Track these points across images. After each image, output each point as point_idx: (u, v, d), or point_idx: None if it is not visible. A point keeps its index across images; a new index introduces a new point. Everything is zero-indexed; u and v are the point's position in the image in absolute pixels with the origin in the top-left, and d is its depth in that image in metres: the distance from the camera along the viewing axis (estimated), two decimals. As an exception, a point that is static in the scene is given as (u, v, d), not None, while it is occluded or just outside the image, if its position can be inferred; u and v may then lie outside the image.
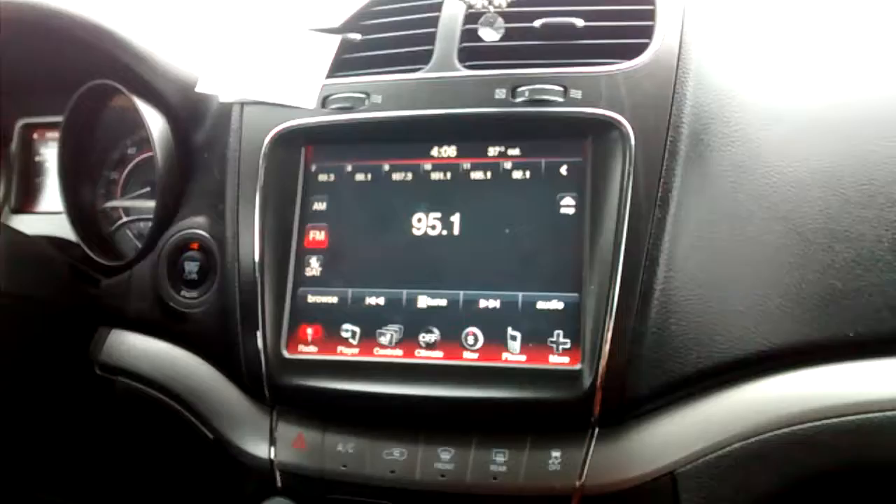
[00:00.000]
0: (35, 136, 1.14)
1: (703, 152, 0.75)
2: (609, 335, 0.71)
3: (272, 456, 0.79)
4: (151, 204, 0.94)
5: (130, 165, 1.05)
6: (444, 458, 0.74)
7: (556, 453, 0.72)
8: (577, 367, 0.72)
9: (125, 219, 1.04)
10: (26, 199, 1.14)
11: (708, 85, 0.78)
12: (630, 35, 0.79)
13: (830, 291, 0.72)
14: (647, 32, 0.79)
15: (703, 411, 0.72)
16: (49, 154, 1.14)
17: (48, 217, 1.10)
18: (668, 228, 0.73)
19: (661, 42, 0.78)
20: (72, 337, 0.92)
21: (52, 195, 1.12)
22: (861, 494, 0.74)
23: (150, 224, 0.92)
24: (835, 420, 0.69)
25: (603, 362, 0.70)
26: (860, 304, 0.71)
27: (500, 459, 0.73)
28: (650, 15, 0.80)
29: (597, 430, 0.72)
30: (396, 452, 0.75)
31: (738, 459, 0.70)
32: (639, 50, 0.78)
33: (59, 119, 1.01)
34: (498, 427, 0.75)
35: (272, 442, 0.79)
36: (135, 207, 1.03)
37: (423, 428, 0.76)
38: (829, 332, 0.71)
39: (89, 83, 0.96)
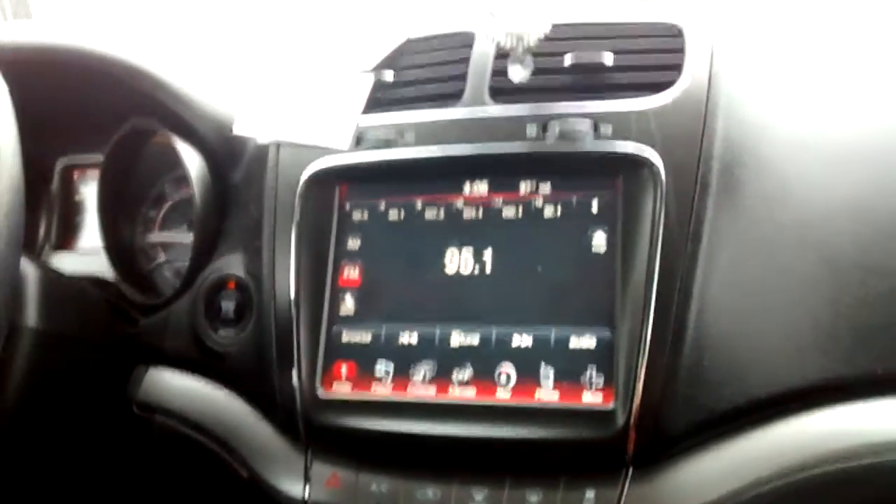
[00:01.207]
0: (75, 175, 1.17)
1: (734, 185, 0.75)
2: (643, 372, 0.70)
3: (306, 495, 0.79)
4: (189, 240, 0.95)
5: (168, 203, 1.07)
6: (478, 498, 0.74)
7: (590, 493, 0.71)
8: (611, 406, 0.71)
9: (163, 257, 1.05)
10: (66, 237, 1.16)
11: (738, 118, 0.77)
12: (660, 70, 0.79)
13: (864, 325, 0.71)
14: (677, 67, 0.79)
15: (738, 449, 0.71)
16: (88, 192, 1.16)
17: (86, 256, 1.12)
18: (701, 263, 0.72)
19: (691, 77, 0.78)
20: (110, 376, 0.93)
21: (91, 233, 1.14)
22: None
23: (187, 263, 0.94)
24: (871, 460, 0.67)
25: (637, 400, 0.70)
26: (892, 339, 0.70)
27: (533, 500, 0.72)
28: (679, 49, 0.80)
29: (631, 469, 0.72)
30: (430, 493, 0.75)
31: (775, 499, 0.69)
32: (668, 84, 0.78)
33: (98, 158, 1.03)
34: (531, 467, 0.74)
35: (306, 480, 0.80)
36: (173, 246, 1.05)
37: (456, 467, 0.76)
38: (864, 368, 0.70)
39: (129, 123, 0.98)
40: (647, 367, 0.70)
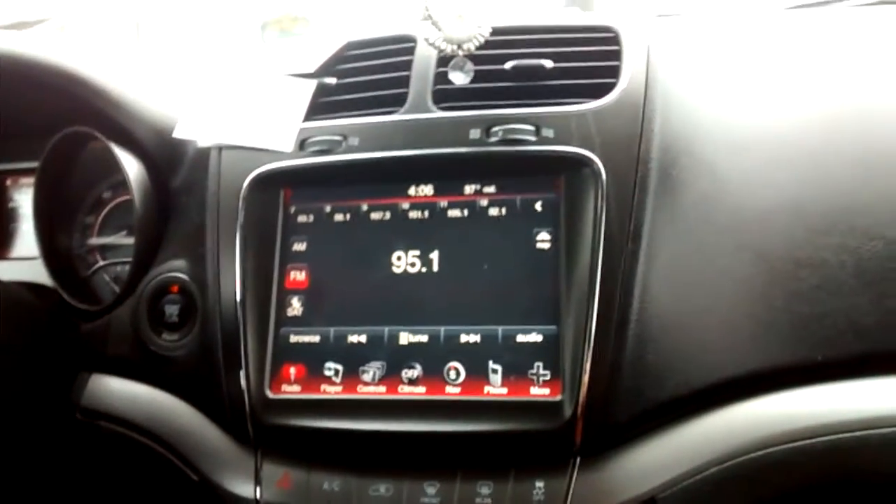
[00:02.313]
0: (8, 182, 1.14)
1: (672, 186, 0.78)
2: (588, 366, 0.72)
3: (258, 496, 0.79)
4: (129, 245, 0.94)
5: (107, 209, 1.05)
6: (430, 492, 0.75)
7: (539, 483, 0.73)
8: (558, 398, 0.73)
9: (102, 262, 1.04)
10: (0, 245, 1.13)
11: (675, 120, 0.81)
12: (598, 75, 0.82)
13: (798, 317, 0.74)
14: (614, 72, 0.82)
15: (680, 437, 0.74)
16: (23, 200, 1.13)
17: (22, 263, 1.09)
18: (641, 261, 0.75)
19: (628, 81, 0.81)
20: (51, 383, 0.91)
21: (26, 241, 1.12)
22: None
23: (126, 268, 0.93)
24: (806, 442, 0.71)
25: (583, 392, 0.72)
26: (827, 329, 0.74)
27: (484, 492, 0.74)
28: (616, 55, 0.83)
29: (579, 459, 0.74)
30: (382, 489, 0.76)
31: (716, 483, 0.72)
32: (607, 89, 0.81)
33: (32, 165, 1.01)
34: (482, 460, 0.76)
35: (258, 482, 0.79)
36: (112, 251, 1.03)
37: (408, 463, 0.77)
38: (798, 357, 0.74)
39: (64, 131, 0.96)
40: (592, 360, 0.72)
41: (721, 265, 0.76)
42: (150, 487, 0.88)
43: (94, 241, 1.05)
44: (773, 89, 0.86)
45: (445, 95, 0.84)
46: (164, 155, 0.95)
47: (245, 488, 0.80)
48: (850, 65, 0.87)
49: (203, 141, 0.90)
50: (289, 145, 0.85)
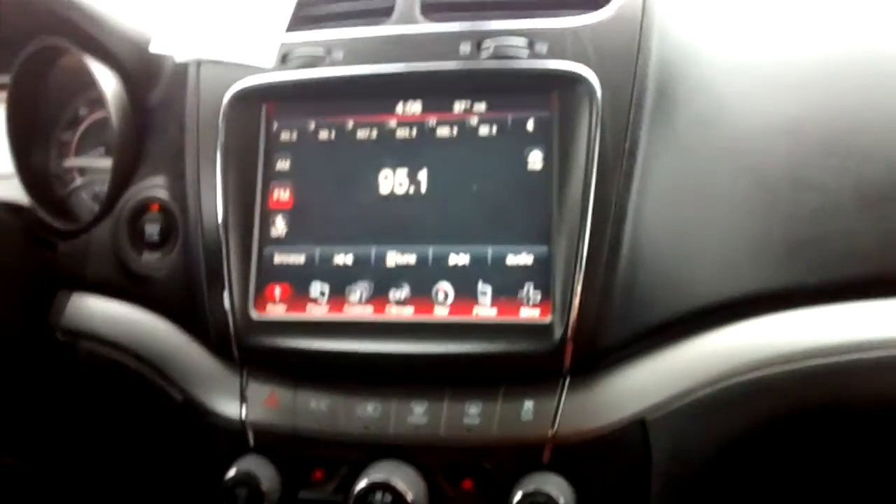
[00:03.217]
0: (-20, 97, 1.10)
1: (669, 105, 0.76)
2: (579, 287, 0.71)
3: (244, 415, 0.78)
4: (107, 164, 0.91)
5: (83, 126, 1.02)
6: (418, 411, 0.75)
7: (528, 404, 0.73)
8: (548, 319, 0.73)
9: (80, 181, 1.01)
10: (-27, 164, 1.10)
11: (672, 38, 0.78)
12: None
13: (795, 240, 0.73)
14: None
15: (671, 359, 0.74)
16: (-3, 115, 1.10)
17: (-1, 181, 1.07)
18: (636, 181, 0.74)
19: None
20: (30, 303, 0.90)
21: (1, 159, 1.08)
22: (827, 440, 0.77)
23: (105, 186, 0.90)
24: (798, 364, 0.71)
25: (573, 314, 0.71)
26: (824, 252, 0.73)
27: (473, 411, 0.74)
28: None
29: (568, 379, 0.74)
30: (370, 408, 0.76)
31: (706, 405, 0.72)
32: (604, 1, 0.78)
33: (5, 79, 0.98)
34: (470, 380, 0.75)
35: (243, 401, 0.79)
36: (90, 169, 1.01)
37: (396, 382, 0.76)
38: (793, 280, 0.73)
39: (36, 42, 0.93)
40: (583, 282, 0.71)
41: (717, 187, 0.75)
42: (133, 408, 0.87)
43: (71, 159, 1.02)
44: (773, 9, 0.83)
45: (434, 6, 0.81)
46: (141, 70, 0.92)
47: (230, 407, 0.79)
48: None
49: (180, 55, 0.86)
50: (270, 60, 0.82)
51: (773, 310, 0.74)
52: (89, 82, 0.91)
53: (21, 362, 0.90)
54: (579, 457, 0.73)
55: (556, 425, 0.72)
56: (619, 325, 0.73)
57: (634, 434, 0.72)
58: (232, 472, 0.76)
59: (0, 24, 0.95)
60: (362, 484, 0.73)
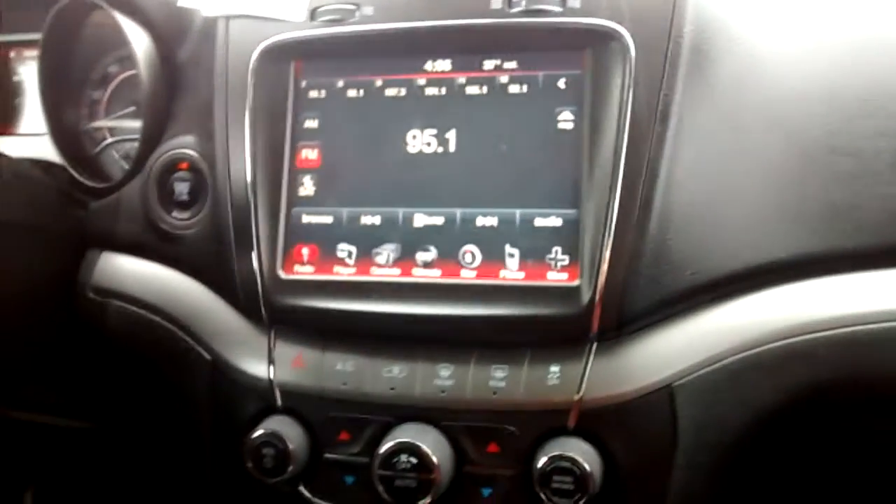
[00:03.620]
0: (12, 54, 1.11)
1: (704, 64, 0.74)
2: (608, 251, 0.70)
3: (271, 375, 0.79)
4: (137, 124, 0.91)
5: (113, 84, 1.02)
6: (444, 374, 0.74)
7: (554, 368, 0.72)
8: (576, 283, 0.72)
9: (111, 139, 1.01)
10: (6, 121, 1.10)
11: None
12: None
13: (830, 205, 0.71)
14: None
15: (700, 325, 0.72)
16: (27, 74, 1.10)
17: (30, 139, 1.07)
18: (669, 142, 0.72)
19: None
20: (61, 261, 0.90)
21: (32, 117, 1.09)
22: (856, 415, 0.75)
23: (136, 144, 0.90)
24: (831, 332, 0.69)
25: (602, 278, 0.70)
26: (859, 218, 0.71)
27: (499, 375, 0.73)
28: None
29: (595, 344, 0.73)
30: (396, 370, 0.76)
31: (735, 373, 0.71)
32: (639, -42, 0.75)
33: (36, 37, 0.97)
34: (497, 343, 0.75)
35: (271, 361, 0.79)
36: (120, 128, 1.01)
37: (422, 345, 0.76)
38: (827, 245, 0.71)
39: (66, -1, 0.93)
40: (612, 246, 0.70)
41: (752, 149, 0.73)
42: (162, 367, 0.88)
43: (102, 117, 1.02)
44: None
45: (466, -37, 0.79)
46: (170, 25, 0.91)
47: (258, 367, 0.80)
48: None
49: (208, 9, 0.85)
50: (299, 14, 0.81)
51: (806, 276, 0.72)
52: (119, 40, 0.90)
53: (53, 319, 0.91)
54: (605, 422, 0.72)
55: (582, 390, 0.71)
56: (648, 289, 0.71)
57: (661, 401, 0.71)
58: (259, 432, 0.76)
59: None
60: (388, 445, 0.73)
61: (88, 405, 1.02)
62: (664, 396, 0.71)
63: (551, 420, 0.72)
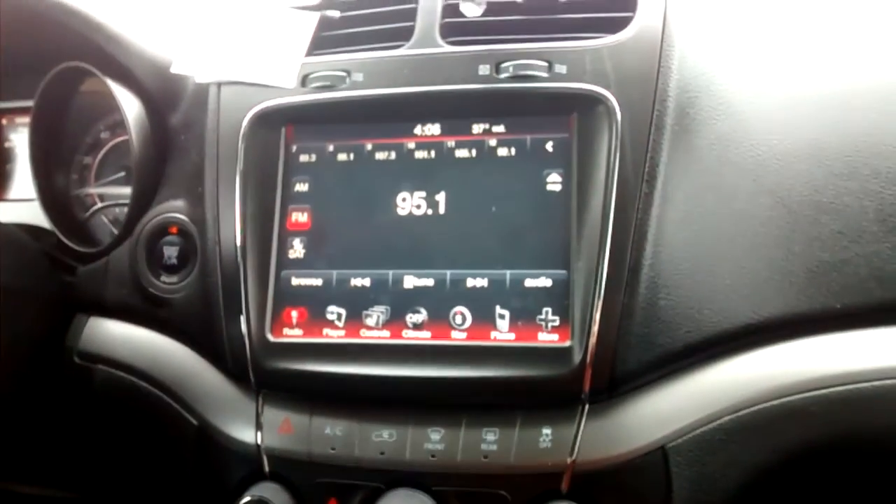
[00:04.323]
0: (4, 121, 1.11)
1: (689, 126, 0.75)
2: (598, 311, 0.70)
3: (259, 441, 0.77)
4: (127, 190, 0.92)
5: (104, 150, 1.03)
6: (434, 438, 0.73)
7: (546, 430, 0.72)
8: (567, 343, 0.71)
9: (100, 204, 1.01)
10: (-4, 187, 1.11)
11: (692, 58, 0.77)
12: (613, 9, 0.79)
13: (817, 263, 0.72)
14: (631, 6, 0.78)
15: (692, 385, 0.72)
16: (18, 140, 1.11)
17: (20, 205, 1.07)
18: (656, 203, 0.73)
19: (645, 15, 0.77)
20: (49, 326, 0.90)
21: (22, 182, 1.09)
22: (853, 472, 0.75)
23: (125, 209, 0.90)
24: (824, 391, 0.69)
25: (592, 339, 0.70)
26: (847, 276, 0.71)
27: (490, 438, 0.72)
28: None
29: (587, 406, 0.72)
30: (385, 434, 0.75)
31: (729, 433, 0.70)
32: (623, 24, 0.77)
33: (28, 104, 0.98)
34: (488, 406, 0.74)
35: (258, 427, 0.78)
36: (110, 193, 1.01)
37: (412, 408, 0.75)
38: (816, 304, 0.71)
39: (60, 65, 0.94)
40: (602, 306, 0.70)
41: (739, 209, 0.73)
42: (148, 433, 0.86)
43: (92, 183, 1.02)
44: (794, 28, 0.82)
45: (454, 29, 0.81)
46: (163, 91, 0.92)
47: (246, 433, 0.78)
48: (873, 5, 0.83)
49: (201, 77, 0.87)
50: (291, 81, 0.82)
51: (798, 335, 0.72)
52: (111, 106, 0.91)
53: (39, 385, 0.90)
54: (599, 485, 0.71)
55: (575, 453, 0.71)
56: (640, 349, 0.71)
57: (655, 462, 0.71)
58: (246, 499, 0.75)
59: (25, 48, 0.97)
60: (377, 512, 0.71)
61: (73, 474, 0.99)
62: (658, 457, 0.70)
63: (544, 483, 0.71)
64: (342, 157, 0.81)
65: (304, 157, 0.82)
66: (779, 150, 0.75)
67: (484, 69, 0.77)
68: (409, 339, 0.75)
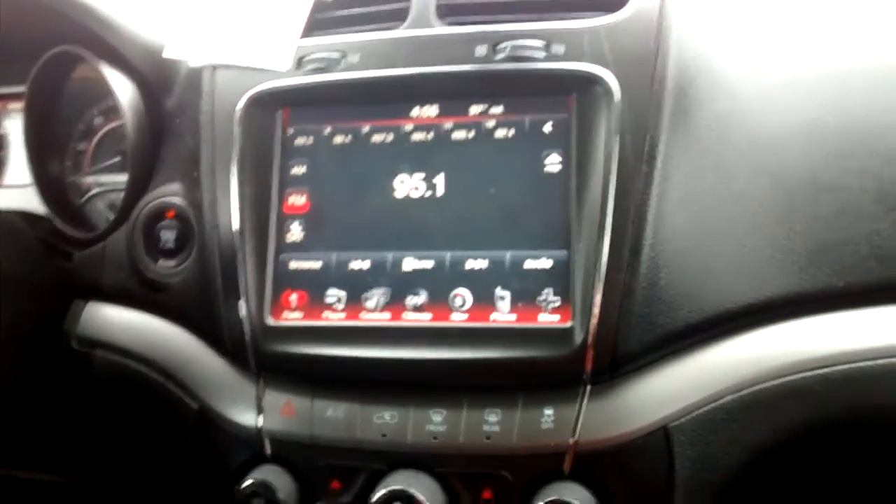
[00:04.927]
0: (-3, 107, 1.11)
1: (689, 106, 0.75)
2: (599, 292, 0.70)
3: (260, 424, 0.77)
4: (122, 176, 0.91)
5: (99, 135, 1.02)
6: (436, 419, 0.73)
7: (548, 411, 0.72)
8: (568, 324, 0.71)
9: (96, 190, 1.01)
10: (-9, 174, 1.10)
11: (691, 38, 0.77)
12: None
13: (818, 243, 0.72)
14: None
15: (694, 365, 0.72)
16: (12, 126, 1.10)
17: (15, 191, 1.07)
18: (656, 183, 0.72)
19: None
20: (46, 312, 0.89)
21: (17, 168, 1.08)
22: (854, 451, 0.75)
23: (121, 194, 0.90)
24: (825, 370, 0.69)
25: (594, 319, 0.70)
26: (848, 255, 0.71)
27: (492, 419, 0.72)
28: None
29: (589, 386, 0.72)
30: (387, 416, 0.74)
31: (731, 412, 0.70)
32: (621, 3, 0.77)
33: (21, 90, 0.98)
34: (489, 387, 0.74)
35: (260, 410, 0.78)
36: (106, 177, 1.00)
37: (413, 390, 0.75)
38: (818, 284, 0.71)
39: (52, 50, 0.93)
40: (604, 286, 0.70)
41: (739, 188, 0.73)
42: (149, 417, 0.86)
43: (87, 168, 1.02)
44: (793, 8, 0.82)
45: (450, 9, 0.81)
46: (157, 76, 0.92)
47: (247, 416, 0.78)
48: None
49: (195, 60, 0.86)
50: (286, 63, 0.81)
51: (798, 314, 0.72)
52: (104, 92, 0.91)
53: (38, 371, 0.89)
54: (601, 466, 0.71)
55: (577, 433, 0.71)
56: (641, 329, 0.71)
57: (657, 442, 0.71)
58: (248, 482, 0.75)
59: (17, 33, 0.96)
60: (380, 494, 0.71)
61: (71, 459, 0.99)
62: (660, 437, 0.70)
63: (546, 464, 0.71)
64: (339, 139, 0.80)
65: (300, 140, 0.81)
66: (778, 129, 0.75)
67: (481, 50, 0.77)
68: (409, 321, 0.75)
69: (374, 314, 0.76)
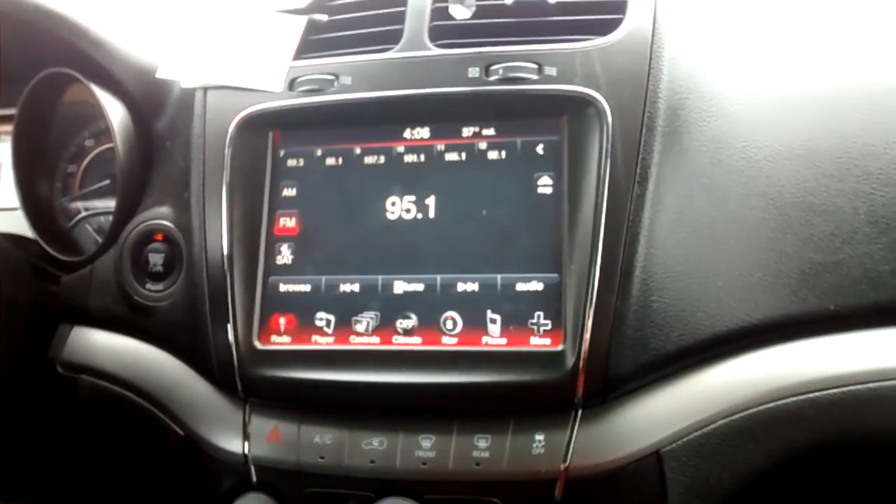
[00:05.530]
0: (-13, 130, 1.10)
1: (680, 128, 0.74)
2: (591, 315, 0.69)
3: (246, 451, 0.76)
4: (111, 201, 0.91)
5: (88, 158, 1.02)
6: (426, 445, 0.72)
7: (539, 436, 0.71)
8: (559, 348, 0.70)
9: (84, 213, 1.00)
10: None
11: (683, 60, 0.77)
12: (603, 11, 0.78)
13: (810, 265, 0.71)
14: (621, 8, 0.78)
15: (686, 389, 0.71)
16: (2, 149, 1.09)
17: (2, 214, 1.05)
18: (648, 205, 0.72)
19: (635, 17, 0.77)
20: (31, 336, 0.88)
21: (6, 191, 1.07)
22: (847, 475, 0.74)
23: (110, 218, 0.89)
24: (818, 394, 0.69)
25: (585, 343, 0.69)
26: (840, 277, 0.71)
27: (482, 445, 0.71)
28: None
29: (580, 411, 0.71)
30: (376, 442, 0.73)
31: (723, 437, 0.69)
32: (613, 26, 0.77)
33: (11, 112, 0.97)
34: (480, 412, 0.73)
35: (246, 436, 0.77)
36: (95, 201, 1.00)
37: (402, 415, 0.74)
38: (810, 306, 0.71)
39: (44, 72, 0.92)
40: (595, 309, 0.69)
41: (730, 211, 0.73)
42: (134, 443, 0.85)
43: (76, 191, 1.01)
44: (785, 29, 0.82)
45: (442, 32, 0.80)
46: (148, 97, 0.91)
47: (233, 443, 0.77)
48: (863, 11, 0.83)
49: (187, 81, 0.86)
50: (278, 85, 0.81)
51: (790, 338, 0.71)
52: (95, 114, 0.91)
53: (22, 397, 0.88)
54: (593, 491, 0.70)
55: (568, 459, 0.70)
56: (633, 353, 0.70)
57: (649, 467, 0.70)
58: (234, 510, 0.74)
59: (8, 55, 0.95)
60: (368, 522, 0.70)
61: (55, 485, 0.98)
62: (652, 462, 0.70)
63: (537, 490, 0.70)
64: (330, 161, 0.80)
65: (291, 162, 0.81)
66: (770, 151, 0.74)
67: (473, 72, 0.77)
68: (399, 345, 0.74)
69: (363, 338, 0.75)
